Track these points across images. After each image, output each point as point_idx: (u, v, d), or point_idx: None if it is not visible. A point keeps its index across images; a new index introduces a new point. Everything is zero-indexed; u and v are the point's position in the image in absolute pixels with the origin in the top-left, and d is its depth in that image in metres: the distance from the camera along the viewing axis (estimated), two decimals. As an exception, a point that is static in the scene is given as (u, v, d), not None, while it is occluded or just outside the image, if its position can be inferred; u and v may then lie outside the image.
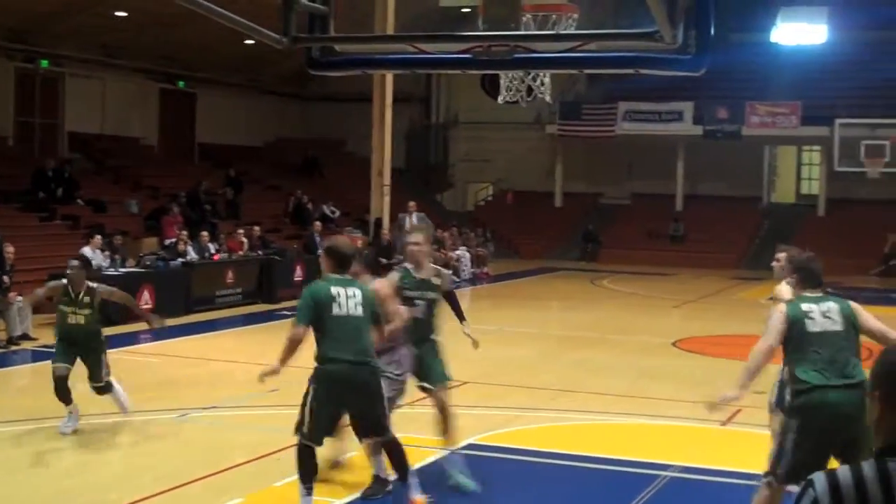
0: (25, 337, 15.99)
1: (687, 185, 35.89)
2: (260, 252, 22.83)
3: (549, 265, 31.53)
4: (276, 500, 7.99)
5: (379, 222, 27.94)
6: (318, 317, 7.30)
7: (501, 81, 29.33)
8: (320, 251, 7.97)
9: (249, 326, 18.90)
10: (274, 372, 7.31)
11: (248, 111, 35.19)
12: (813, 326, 6.50)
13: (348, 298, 7.36)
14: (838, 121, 32.80)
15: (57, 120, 28.43)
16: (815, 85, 34.79)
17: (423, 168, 37.68)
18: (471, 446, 9.32)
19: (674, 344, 17.10)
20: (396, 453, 7.68)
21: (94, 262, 18.72)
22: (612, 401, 12.42)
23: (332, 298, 7.33)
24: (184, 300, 19.83)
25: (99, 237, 19.59)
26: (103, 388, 10.38)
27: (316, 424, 7.33)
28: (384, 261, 25.24)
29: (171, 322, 18.50)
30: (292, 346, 7.29)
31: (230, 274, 21.28)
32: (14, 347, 15.63)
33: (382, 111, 28.95)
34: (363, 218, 28.73)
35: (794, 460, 6.37)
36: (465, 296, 22.95)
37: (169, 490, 8.44)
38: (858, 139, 32.45)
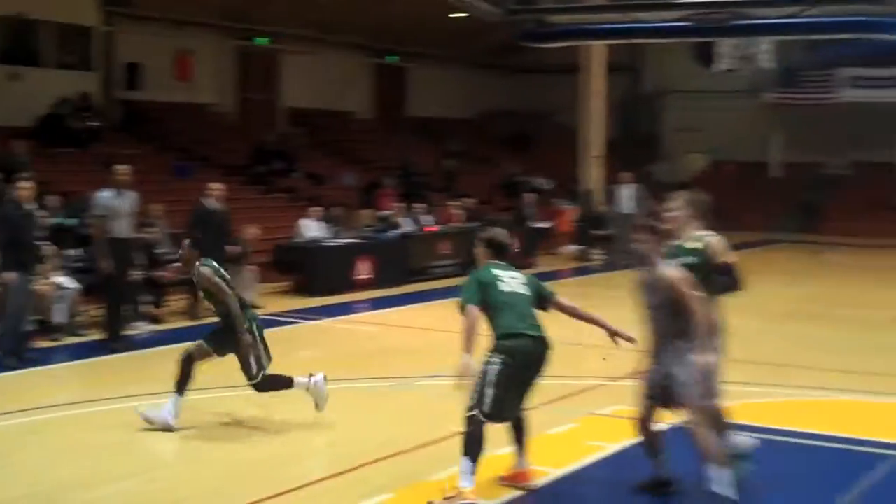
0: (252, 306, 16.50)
1: (913, 153, 34.31)
2: (474, 223, 23.01)
3: (768, 237, 30.64)
4: (496, 468, 7.97)
5: (589, 193, 27.76)
6: (487, 297, 7.46)
7: (716, 49, 28.52)
8: (477, 241, 7.99)
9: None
10: (467, 369, 7.30)
11: (456, 84, 35.46)
12: None
13: (511, 279, 7.61)
14: None
15: (275, 95, 29.32)
16: None
17: (635, 139, 37.10)
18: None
19: (900, 319, 16.41)
20: (522, 430, 7.75)
21: (313, 234, 19.36)
22: (835, 377, 11.97)
23: (496, 278, 7.56)
24: (401, 270, 20.31)
25: (318, 209, 20.14)
26: (259, 386, 9.42)
27: (503, 401, 7.36)
28: (596, 232, 25.28)
29: (388, 292, 19.07)
30: (471, 329, 7.36)
31: (445, 245, 21.65)
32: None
33: (593, 82, 28.70)
34: (574, 189, 28.62)
35: None
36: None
37: (391, 456, 8.60)
38: None
